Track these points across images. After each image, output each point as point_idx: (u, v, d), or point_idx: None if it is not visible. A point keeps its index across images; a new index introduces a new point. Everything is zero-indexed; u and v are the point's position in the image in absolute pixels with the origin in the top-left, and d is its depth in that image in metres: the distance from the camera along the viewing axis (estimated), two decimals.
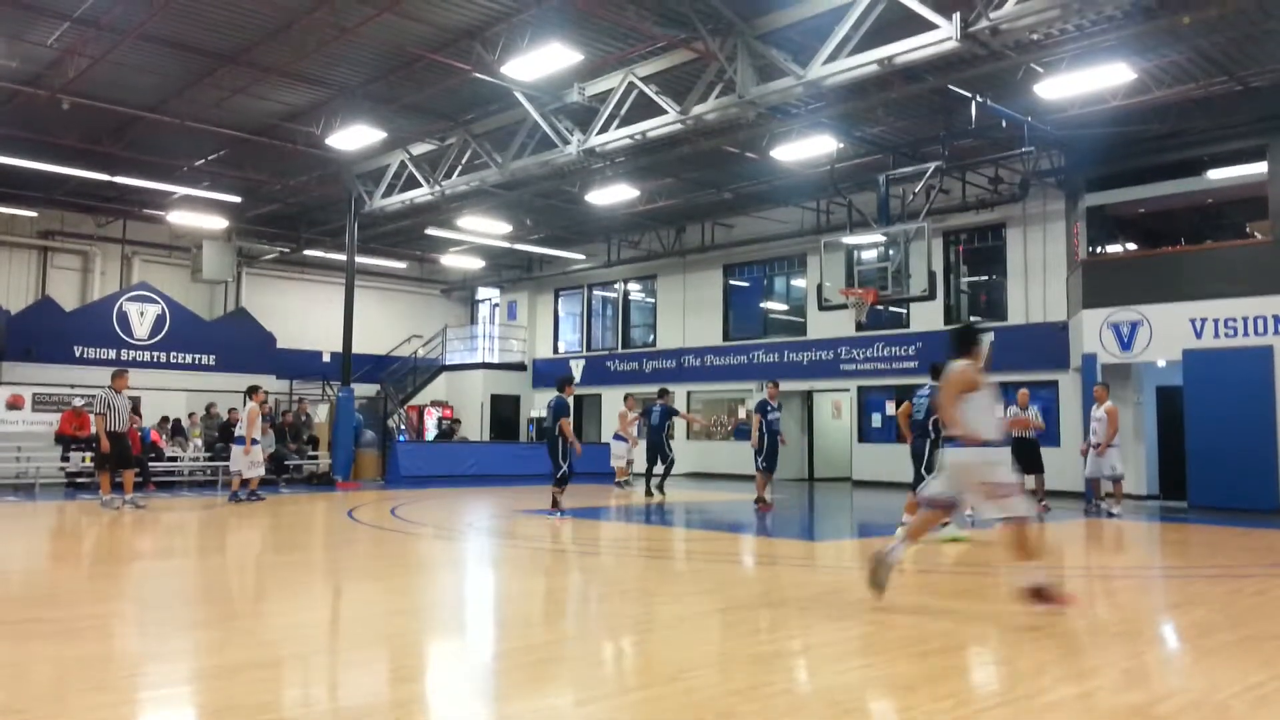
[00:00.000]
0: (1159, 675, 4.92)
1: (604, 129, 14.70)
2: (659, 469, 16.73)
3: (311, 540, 10.87)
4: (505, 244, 25.68)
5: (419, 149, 18.11)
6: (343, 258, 21.72)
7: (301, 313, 27.27)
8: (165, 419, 19.29)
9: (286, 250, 26.23)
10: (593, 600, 7.28)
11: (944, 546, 9.46)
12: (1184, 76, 14.08)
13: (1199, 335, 15.49)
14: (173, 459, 18.85)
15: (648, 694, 4.36)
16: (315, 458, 20.87)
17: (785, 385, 23.07)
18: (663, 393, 17.47)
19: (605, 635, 5.89)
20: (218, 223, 23.02)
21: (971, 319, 20.86)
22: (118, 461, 13.22)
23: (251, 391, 15.03)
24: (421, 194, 18.61)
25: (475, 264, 29.29)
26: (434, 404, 28.70)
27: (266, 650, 5.18)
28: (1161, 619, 6.51)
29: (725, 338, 25.02)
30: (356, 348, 21.32)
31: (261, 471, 15.07)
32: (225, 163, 19.44)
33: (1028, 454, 13.12)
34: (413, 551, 9.98)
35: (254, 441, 14.68)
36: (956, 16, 10.59)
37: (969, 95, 14.12)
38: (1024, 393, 14.73)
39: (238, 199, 21.82)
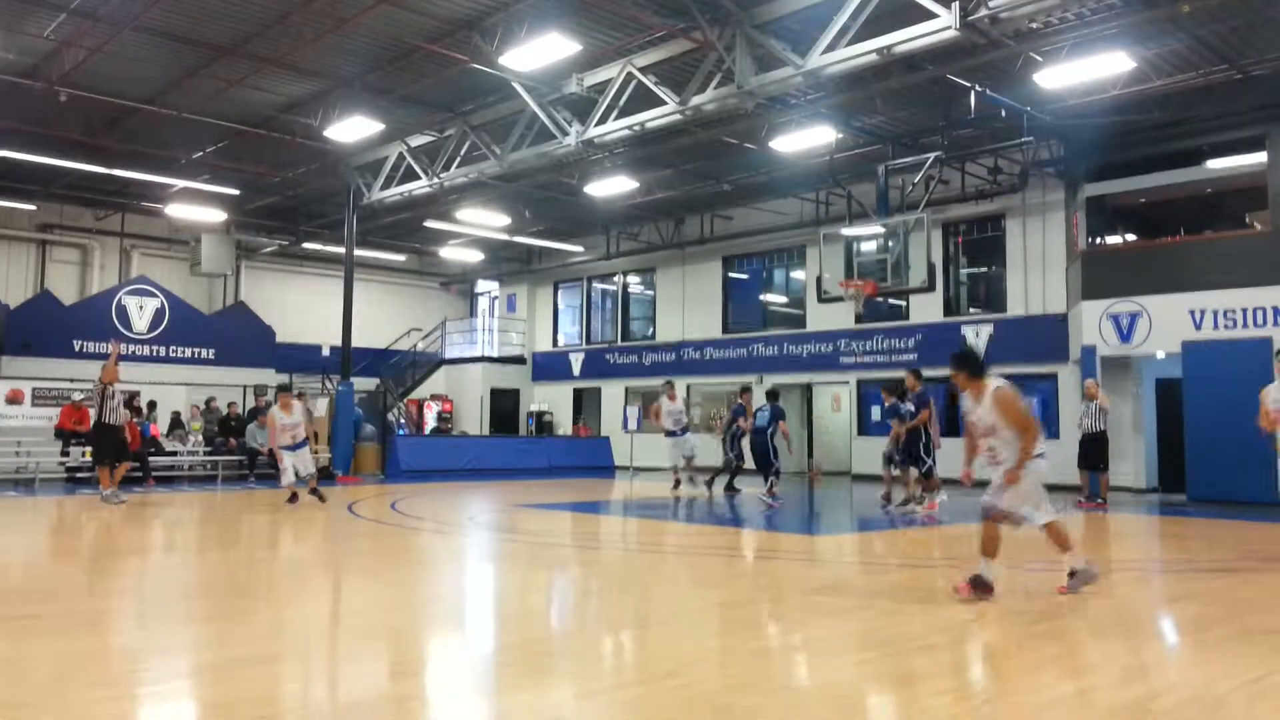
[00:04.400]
0: (1157, 670, 4.91)
1: (602, 120, 14.65)
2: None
3: (311, 535, 10.86)
4: (504, 236, 25.65)
5: (417, 141, 18.06)
6: (341, 251, 21.69)
7: (301, 306, 27.24)
8: (134, 394, 19.05)
9: (285, 243, 26.20)
10: (592, 594, 7.28)
11: None
12: (1184, 65, 14.04)
13: (1198, 326, 15.47)
14: (172, 453, 18.83)
15: (646, 688, 4.36)
16: (315, 452, 20.77)
17: (783, 379, 23.10)
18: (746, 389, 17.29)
19: (604, 629, 5.89)
20: (216, 216, 22.98)
21: (971, 311, 20.86)
22: (115, 454, 13.21)
23: (279, 390, 13.73)
24: (420, 186, 18.56)
25: (474, 256, 29.25)
26: (434, 398, 28.69)
27: (266, 645, 5.18)
28: (1160, 613, 6.50)
29: (724, 330, 24.97)
30: (356, 341, 21.31)
31: (289, 479, 12.99)
32: (223, 155, 19.39)
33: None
34: (412, 546, 9.97)
35: (285, 448, 13.01)
36: (955, 5, 10.55)
37: (968, 85, 14.08)
38: (1092, 383, 14.71)
39: (236, 192, 21.76)
